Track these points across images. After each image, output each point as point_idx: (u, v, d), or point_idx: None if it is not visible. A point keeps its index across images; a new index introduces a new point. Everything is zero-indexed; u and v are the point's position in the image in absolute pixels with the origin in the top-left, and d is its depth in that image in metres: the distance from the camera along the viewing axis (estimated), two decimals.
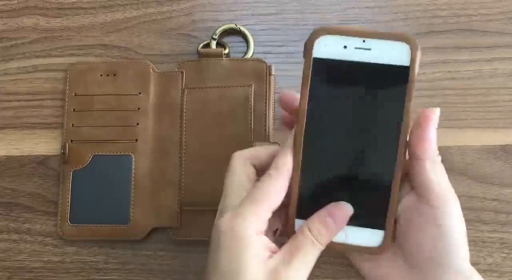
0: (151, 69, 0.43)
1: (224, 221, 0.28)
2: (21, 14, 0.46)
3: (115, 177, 0.41)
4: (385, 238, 0.29)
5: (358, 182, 0.30)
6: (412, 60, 0.29)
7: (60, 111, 0.43)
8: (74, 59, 0.44)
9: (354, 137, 0.30)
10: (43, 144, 0.43)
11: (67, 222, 0.41)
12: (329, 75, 0.30)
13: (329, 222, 0.29)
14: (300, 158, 0.30)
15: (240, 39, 0.44)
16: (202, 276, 0.30)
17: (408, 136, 0.29)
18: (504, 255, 0.40)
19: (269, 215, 0.29)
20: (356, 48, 0.29)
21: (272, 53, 0.44)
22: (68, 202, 0.41)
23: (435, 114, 0.29)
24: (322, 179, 0.30)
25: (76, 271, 0.41)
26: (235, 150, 0.39)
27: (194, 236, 0.40)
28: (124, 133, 0.42)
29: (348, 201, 0.30)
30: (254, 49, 0.43)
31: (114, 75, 0.43)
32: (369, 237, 0.29)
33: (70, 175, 0.41)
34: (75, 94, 0.43)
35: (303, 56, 0.30)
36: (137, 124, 0.42)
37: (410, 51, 0.28)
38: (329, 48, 0.29)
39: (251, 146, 0.39)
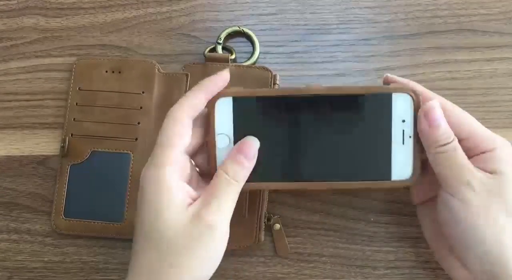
0: (156, 69, 0.43)
1: (144, 172, 0.31)
2: (21, 14, 0.46)
3: (112, 174, 0.41)
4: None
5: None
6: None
7: (60, 111, 0.43)
8: (74, 59, 0.44)
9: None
10: (43, 144, 0.43)
11: (61, 215, 0.41)
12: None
13: (241, 157, 0.31)
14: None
15: (244, 40, 0.44)
16: None
17: None
18: None
19: (181, 156, 0.31)
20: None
21: (272, 53, 0.44)
22: (64, 195, 0.41)
23: (426, 107, 0.31)
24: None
25: (76, 271, 0.41)
26: None
27: None
28: (124, 131, 0.42)
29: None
30: (260, 50, 0.43)
31: (119, 72, 0.43)
32: None
33: (67, 169, 0.41)
34: (79, 88, 0.43)
35: None
36: (138, 123, 0.42)
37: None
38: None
39: None
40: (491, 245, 0.30)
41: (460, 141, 0.32)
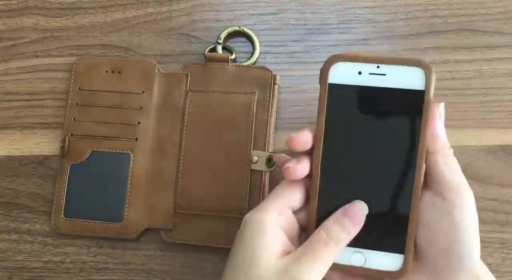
0: (156, 69, 0.43)
1: (248, 215, 0.30)
2: (21, 14, 0.46)
3: (112, 174, 0.41)
4: (404, 262, 0.29)
5: (376, 206, 0.30)
6: (427, 84, 0.29)
7: (60, 111, 0.43)
8: (74, 59, 0.44)
9: (371, 162, 0.30)
10: (43, 144, 0.43)
11: (61, 215, 0.41)
12: (344, 101, 0.30)
13: (345, 220, 0.30)
14: (318, 182, 0.30)
15: (244, 40, 0.44)
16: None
17: (424, 160, 0.29)
18: (504, 255, 0.40)
19: (287, 210, 0.31)
20: (370, 73, 0.30)
21: (272, 53, 0.44)
22: (64, 195, 0.41)
23: (439, 109, 0.30)
24: (340, 203, 0.30)
25: (76, 271, 0.41)
26: (234, 156, 0.40)
27: (186, 240, 0.40)
28: (124, 131, 0.42)
29: (367, 225, 0.30)
30: (260, 50, 0.43)
31: (119, 72, 0.43)
32: (389, 261, 0.30)
33: (67, 169, 0.41)
34: (79, 88, 0.43)
35: (319, 83, 0.30)
36: (138, 123, 0.42)
37: (424, 76, 0.29)
38: (344, 74, 0.30)
39: (250, 154, 0.40)
40: (477, 249, 0.29)
41: None
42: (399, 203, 0.30)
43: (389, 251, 0.30)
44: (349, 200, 0.30)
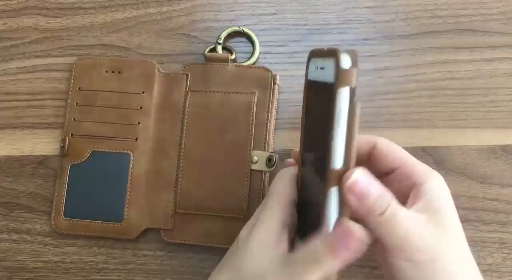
0: (156, 69, 0.43)
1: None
2: (21, 14, 0.46)
3: (112, 174, 0.41)
4: None
5: (309, 199, 0.30)
6: (336, 77, 0.26)
7: (60, 111, 0.43)
8: (74, 59, 0.44)
9: (319, 156, 0.29)
10: (43, 144, 0.43)
11: (61, 215, 0.41)
12: (311, 96, 0.30)
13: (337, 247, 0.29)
14: (300, 170, 0.31)
15: (244, 40, 0.44)
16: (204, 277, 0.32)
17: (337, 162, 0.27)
18: (504, 255, 0.40)
19: (290, 206, 0.31)
20: (320, 68, 0.28)
21: (272, 53, 0.44)
22: (64, 195, 0.41)
23: (348, 183, 0.27)
24: (302, 190, 0.31)
25: (76, 271, 0.41)
26: (234, 156, 0.40)
27: (186, 240, 0.40)
28: (124, 131, 0.42)
29: (310, 219, 0.30)
30: (260, 50, 0.43)
31: (119, 72, 0.43)
32: None
33: (67, 169, 0.41)
34: (79, 88, 0.43)
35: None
36: (138, 123, 0.42)
37: (334, 66, 0.26)
38: (312, 69, 0.30)
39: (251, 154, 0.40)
40: None
41: (392, 171, 0.32)
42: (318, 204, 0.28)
43: None
44: (305, 195, 0.31)
